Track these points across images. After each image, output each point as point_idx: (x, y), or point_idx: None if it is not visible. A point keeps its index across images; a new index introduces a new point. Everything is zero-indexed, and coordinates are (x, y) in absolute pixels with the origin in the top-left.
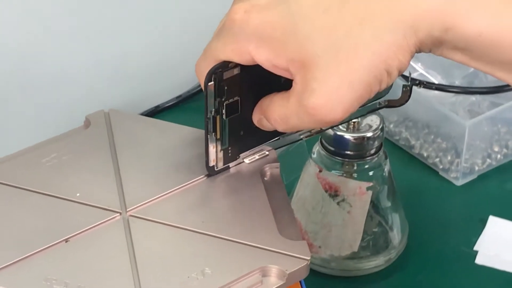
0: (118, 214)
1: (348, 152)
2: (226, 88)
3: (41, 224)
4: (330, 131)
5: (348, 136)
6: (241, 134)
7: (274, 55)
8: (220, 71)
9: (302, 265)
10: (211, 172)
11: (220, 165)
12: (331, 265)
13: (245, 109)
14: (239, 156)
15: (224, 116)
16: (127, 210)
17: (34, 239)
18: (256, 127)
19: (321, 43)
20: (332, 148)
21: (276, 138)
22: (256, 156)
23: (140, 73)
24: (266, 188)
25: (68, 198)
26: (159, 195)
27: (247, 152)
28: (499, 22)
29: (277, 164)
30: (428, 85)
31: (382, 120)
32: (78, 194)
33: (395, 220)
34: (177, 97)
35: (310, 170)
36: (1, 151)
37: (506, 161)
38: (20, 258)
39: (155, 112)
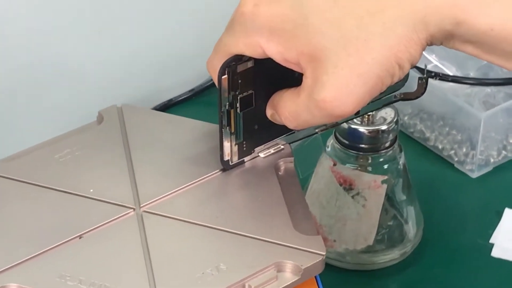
0: (132, 210)
1: (363, 146)
2: (240, 81)
3: (55, 220)
4: (345, 124)
5: (362, 129)
6: (256, 128)
7: (285, 48)
8: (233, 64)
9: (318, 260)
10: (225, 166)
11: (235, 159)
12: (346, 259)
13: (260, 102)
14: (253, 150)
15: (238, 110)
16: (141, 205)
17: (47, 235)
18: (271, 121)
19: (331, 36)
20: (346, 142)
21: (291, 132)
22: (271, 150)
23: (153, 67)
24: (281, 183)
25: (81, 194)
26: (173, 191)
27: (262, 146)
28: (511, 18)
29: (291, 159)
30: (444, 77)
31: (397, 113)
32: (91, 190)
33: (410, 213)
34: (190, 91)
35: (324, 164)
36: (14, 147)
37: None
38: (34, 254)
39: (168, 106)
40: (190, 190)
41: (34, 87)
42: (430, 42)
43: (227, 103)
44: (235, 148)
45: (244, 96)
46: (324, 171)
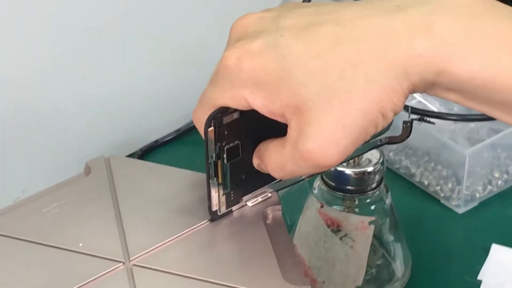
0: (122, 263)
1: (349, 187)
2: (226, 132)
3: (44, 276)
4: None
5: (348, 171)
6: (243, 178)
7: (269, 100)
8: (219, 116)
9: None
10: (214, 216)
11: (223, 209)
12: None
13: (246, 152)
14: (241, 200)
15: (225, 161)
16: (130, 259)
17: None
18: (258, 170)
19: (314, 88)
20: (333, 184)
21: (278, 180)
22: (259, 199)
23: (138, 109)
24: (269, 232)
25: (70, 249)
26: (162, 243)
27: (250, 195)
28: (492, 66)
29: (279, 207)
30: (428, 121)
31: (382, 154)
32: (80, 244)
33: (398, 252)
34: (176, 131)
35: (311, 206)
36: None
37: (507, 186)
38: None
39: (154, 147)
40: (179, 242)
41: (17, 135)
42: (413, 91)
43: (214, 154)
44: (223, 198)
45: (230, 147)
46: (312, 213)
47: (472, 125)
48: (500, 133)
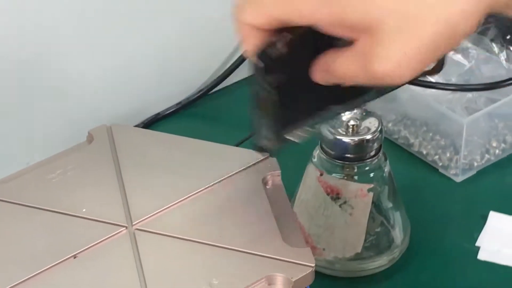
0: (124, 228)
1: (348, 155)
2: (274, 65)
3: (49, 241)
4: (329, 136)
5: (347, 139)
6: (291, 112)
7: (337, 15)
8: (268, 49)
9: (307, 272)
10: (260, 151)
11: (270, 144)
12: (335, 267)
13: (294, 87)
14: (286, 136)
15: (272, 95)
16: (133, 224)
17: (42, 256)
18: (304, 105)
19: (387, 7)
20: (332, 152)
21: (314, 118)
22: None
23: (140, 82)
24: (269, 196)
25: (74, 214)
26: (164, 208)
27: (296, 129)
28: None
29: (278, 172)
30: (428, 84)
31: (381, 122)
32: (84, 210)
33: (397, 219)
34: (177, 104)
35: (311, 174)
36: (4, 165)
37: (504, 155)
38: (30, 276)
39: (156, 120)
40: (180, 207)
41: (20, 108)
42: (490, 11)
43: (261, 87)
44: (270, 133)
45: (278, 80)
46: (311, 181)
47: (469, 95)
48: (497, 102)
